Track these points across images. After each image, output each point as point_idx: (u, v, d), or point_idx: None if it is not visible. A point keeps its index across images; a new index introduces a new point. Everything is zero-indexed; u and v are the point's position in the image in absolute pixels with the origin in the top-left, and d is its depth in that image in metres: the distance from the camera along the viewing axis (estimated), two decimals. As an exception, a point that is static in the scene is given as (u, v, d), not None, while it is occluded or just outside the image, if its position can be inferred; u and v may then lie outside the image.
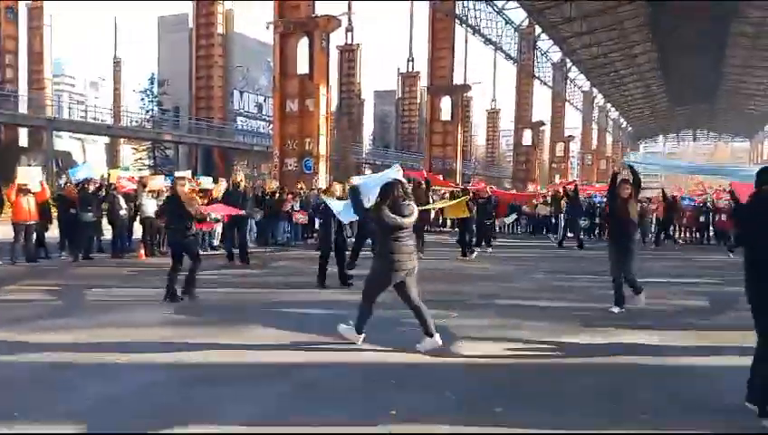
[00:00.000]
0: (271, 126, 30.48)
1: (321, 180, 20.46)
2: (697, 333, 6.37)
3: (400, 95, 68.18)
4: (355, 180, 6.57)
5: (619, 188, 7.40)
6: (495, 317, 6.88)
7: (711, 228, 18.12)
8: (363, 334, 5.51)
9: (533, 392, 4.42)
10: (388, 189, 5.41)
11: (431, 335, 5.32)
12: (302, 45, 21.39)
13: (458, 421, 3.80)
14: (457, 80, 32.92)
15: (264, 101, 46.72)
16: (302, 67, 21.30)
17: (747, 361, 4.01)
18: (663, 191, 17.49)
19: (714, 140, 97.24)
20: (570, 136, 54.25)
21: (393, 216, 5.27)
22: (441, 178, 19.02)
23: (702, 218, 17.96)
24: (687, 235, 18.87)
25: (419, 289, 5.48)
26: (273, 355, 5.25)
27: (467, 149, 63.00)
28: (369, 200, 5.82)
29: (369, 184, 6.17)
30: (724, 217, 16.93)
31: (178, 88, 45.04)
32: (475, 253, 13.43)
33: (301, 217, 15.57)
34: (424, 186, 13.85)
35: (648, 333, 6.21)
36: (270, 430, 3.66)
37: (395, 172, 6.53)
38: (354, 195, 5.77)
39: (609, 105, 70.21)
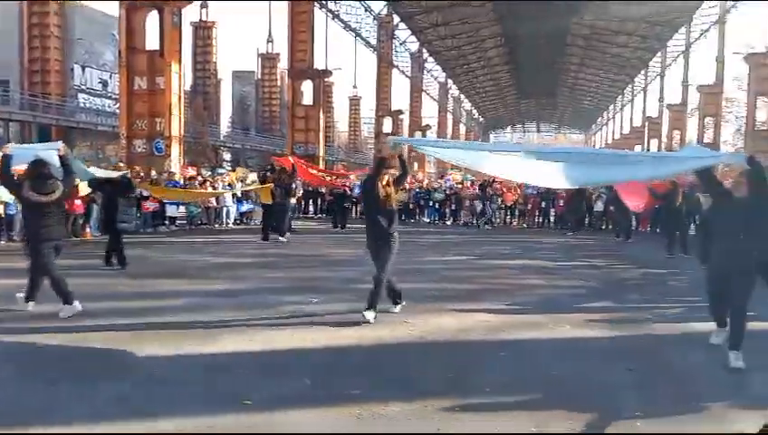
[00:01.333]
0: (117, 104, 28.33)
1: (174, 163, 19.41)
2: (534, 309, 6.90)
3: (260, 77, 66.47)
4: (8, 149, 6.07)
5: (379, 176, 6.17)
6: (353, 301, 6.94)
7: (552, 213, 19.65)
8: (32, 302, 5.91)
9: (390, 373, 4.52)
10: (33, 167, 5.76)
11: (70, 303, 5.79)
12: (153, 19, 20.07)
13: (315, 406, 3.77)
14: (318, 64, 32.71)
15: (110, 77, 43.21)
16: (153, 42, 19.99)
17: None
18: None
19: (555, 133, 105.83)
20: (427, 125, 56.08)
21: (31, 193, 5.67)
22: (306, 168, 18.44)
23: (543, 204, 19.44)
24: (531, 219, 20.35)
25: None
26: (113, 348, 4.87)
27: (330, 136, 63.06)
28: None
29: (26, 154, 6.07)
30: (562, 202, 18.53)
31: (6, 59, 40.21)
32: (287, 237, 13.37)
33: (151, 205, 14.64)
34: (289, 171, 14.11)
35: (491, 312, 6.62)
36: (109, 430, 3.39)
37: (55, 146, 6.35)
38: (4, 163, 5.89)
39: (462, 96, 73.68)
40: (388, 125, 47.19)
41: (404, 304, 6.38)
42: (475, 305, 6.85)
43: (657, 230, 16.72)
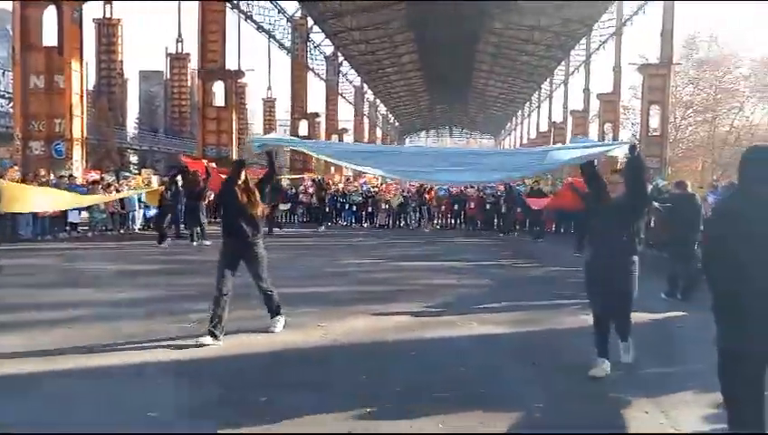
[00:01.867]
0: (11, 103, 26.53)
1: (76, 166, 18.40)
2: (445, 309, 7.08)
3: (169, 77, 64.20)
4: None
5: (238, 179, 5.63)
6: (258, 307, 6.85)
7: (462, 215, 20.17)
8: None
9: (302, 378, 4.50)
10: None
11: None
12: (51, 14, 18.96)
13: (224, 414, 3.70)
14: (231, 65, 31.97)
15: (2, 74, 40.45)
16: (51, 39, 18.87)
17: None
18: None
19: (466, 137, 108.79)
20: (343, 129, 56.15)
21: None
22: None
23: (455, 206, 19.95)
24: (444, 220, 20.84)
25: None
26: (8, 365, 4.57)
27: (244, 137, 61.72)
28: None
29: None
30: (472, 204, 19.12)
31: None
32: (167, 241, 13.28)
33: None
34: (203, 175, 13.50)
35: (404, 313, 6.74)
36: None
37: None
38: None
39: (378, 101, 74.28)
40: (304, 128, 46.78)
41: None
42: (389, 307, 6.94)
43: (562, 230, 17.59)
